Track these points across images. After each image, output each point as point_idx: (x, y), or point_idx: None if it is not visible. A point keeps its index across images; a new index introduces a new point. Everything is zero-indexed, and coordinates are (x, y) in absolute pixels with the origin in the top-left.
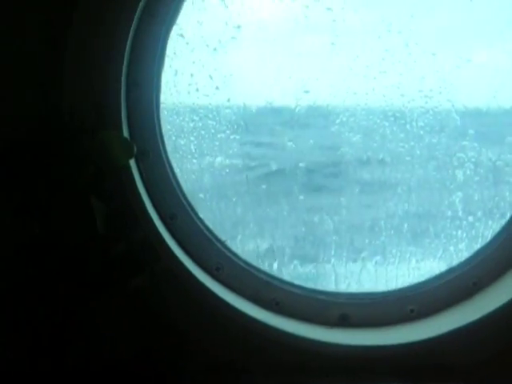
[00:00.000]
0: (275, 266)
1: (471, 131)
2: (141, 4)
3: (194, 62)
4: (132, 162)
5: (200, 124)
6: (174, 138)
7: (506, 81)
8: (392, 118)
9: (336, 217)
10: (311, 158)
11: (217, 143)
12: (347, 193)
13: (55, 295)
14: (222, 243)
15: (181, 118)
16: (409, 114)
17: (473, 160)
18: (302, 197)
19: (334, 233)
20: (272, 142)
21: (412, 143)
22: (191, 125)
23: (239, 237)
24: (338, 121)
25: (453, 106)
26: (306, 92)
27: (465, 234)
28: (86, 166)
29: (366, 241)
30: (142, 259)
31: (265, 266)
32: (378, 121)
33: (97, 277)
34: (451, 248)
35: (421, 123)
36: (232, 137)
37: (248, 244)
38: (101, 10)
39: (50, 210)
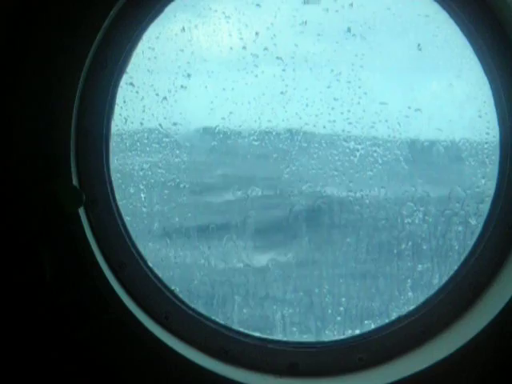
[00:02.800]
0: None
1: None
2: (90, 53)
3: (143, 111)
4: (81, 211)
5: (149, 172)
6: (123, 186)
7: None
8: (341, 168)
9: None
10: None
11: (166, 191)
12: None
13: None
14: (171, 292)
15: (130, 167)
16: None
17: (421, 209)
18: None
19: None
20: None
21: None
22: (141, 173)
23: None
24: (287, 170)
25: (401, 154)
26: (255, 141)
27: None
28: (35, 215)
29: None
30: (90, 308)
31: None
32: (328, 171)
33: (44, 326)
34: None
35: (369, 173)
36: (182, 185)
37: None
38: (50, 59)
39: None
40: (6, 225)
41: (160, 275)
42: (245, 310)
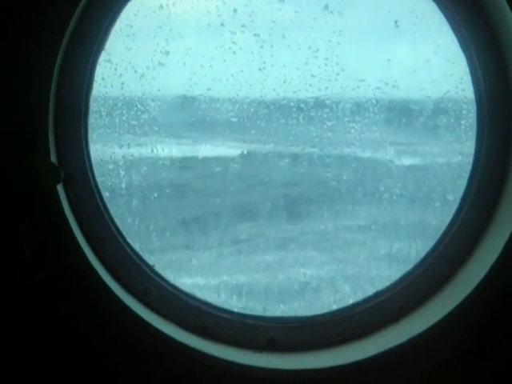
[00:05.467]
0: None
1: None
2: (68, 29)
3: (122, 88)
4: (60, 187)
5: (128, 148)
6: (102, 162)
7: None
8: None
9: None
10: None
11: (145, 168)
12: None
13: None
14: (150, 267)
15: (109, 144)
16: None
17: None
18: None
19: None
20: None
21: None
22: (119, 150)
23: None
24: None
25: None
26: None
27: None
28: (13, 192)
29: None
30: (69, 284)
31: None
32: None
33: (23, 302)
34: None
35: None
36: (160, 162)
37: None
38: (28, 35)
39: None
40: None
41: (139, 251)
42: None
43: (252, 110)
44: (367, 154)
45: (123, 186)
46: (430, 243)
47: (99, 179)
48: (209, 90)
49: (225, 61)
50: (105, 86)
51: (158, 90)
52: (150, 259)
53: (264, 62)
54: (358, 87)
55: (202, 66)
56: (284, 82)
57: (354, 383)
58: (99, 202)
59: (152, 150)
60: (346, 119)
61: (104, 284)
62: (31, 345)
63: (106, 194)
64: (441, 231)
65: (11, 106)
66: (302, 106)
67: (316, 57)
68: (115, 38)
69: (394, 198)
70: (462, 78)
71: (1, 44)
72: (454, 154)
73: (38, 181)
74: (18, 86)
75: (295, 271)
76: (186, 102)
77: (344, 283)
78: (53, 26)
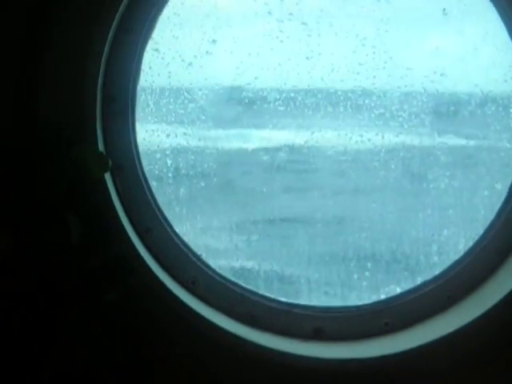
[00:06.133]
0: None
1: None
2: (116, 19)
3: (169, 77)
4: (107, 176)
5: (175, 138)
6: (149, 152)
7: None
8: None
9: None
10: None
11: (192, 157)
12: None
13: (29, 309)
14: (198, 257)
15: (156, 133)
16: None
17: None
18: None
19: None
20: None
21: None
22: (166, 139)
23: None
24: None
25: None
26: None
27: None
28: (62, 180)
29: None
30: (117, 273)
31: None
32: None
33: (72, 291)
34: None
35: (395, 138)
36: (208, 151)
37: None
38: (76, 24)
39: (25, 224)
40: (33, 191)
41: (186, 240)
42: None
43: (299, 98)
44: (415, 143)
45: (170, 175)
46: (479, 232)
47: (146, 168)
48: (256, 78)
49: (272, 49)
50: (152, 75)
51: (206, 79)
52: (197, 248)
53: (311, 51)
54: (406, 75)
55: (249, 54)
56: (331, 70)
57: (401, 373)
58: (146, 190)
59: (199, 139)
60: (393, 108)
61: (152, 273)
62: (79, 333)
63: (153, 183)
64: (489, 220)
65: (59, 95)
66: (350, 94)
67: (364, 45)
68: (162, 26)
69: (442, 186)
70: (510, 66)
71: (49, 34)
72: (503, 142)
73: (86, 170)
74: (67, 75)
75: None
76: (233, 91)
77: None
78: (101, 15)
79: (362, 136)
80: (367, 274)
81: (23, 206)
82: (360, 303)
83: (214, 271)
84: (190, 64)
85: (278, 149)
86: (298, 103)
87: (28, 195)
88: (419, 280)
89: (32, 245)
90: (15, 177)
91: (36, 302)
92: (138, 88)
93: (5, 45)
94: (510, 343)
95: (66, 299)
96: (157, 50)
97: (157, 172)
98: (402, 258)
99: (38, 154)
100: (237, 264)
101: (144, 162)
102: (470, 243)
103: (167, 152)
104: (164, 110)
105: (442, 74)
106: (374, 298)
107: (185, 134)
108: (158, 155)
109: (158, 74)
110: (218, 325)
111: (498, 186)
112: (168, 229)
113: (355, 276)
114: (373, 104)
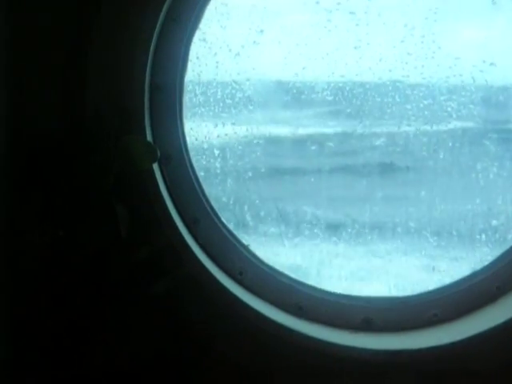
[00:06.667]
0: None
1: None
2: (164, 8)
3: (216, 67)
4: (155, 167)
5: (223, 128)
6: (196, 142)
7: None
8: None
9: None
10: None
11: (240, 147)
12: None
13: (78, 299)
14: (245, 247)
15: (203, 123)
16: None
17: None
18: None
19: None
20: None
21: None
22: (214, 129)
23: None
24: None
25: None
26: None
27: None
28: (110, 171)
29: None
30: (165, 264)
31: None
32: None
33: (120, 281)
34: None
35: (443, 128)
36: (255, 141)
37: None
38: (124, 14)
39: (74, 215)
40: (81, 180)
41: (233, 231)
42: None
43: (347, 88)
44: (464, 133)
45: (218, 165)
46: None
47: (194, 158)
48: (304, 68)
49: (320, 39)
50: (199, 65)
51: (253, 69)
52: (245, 239)
53: (359, 41)
54: (455, 65)
55: (297, 44)
56: (380, 60)
57: (450, 364)
58: (194, 181)
59: (247, 130)
60: (442, 98)
61: (200, 263)
62: (128, 323)
63: (200, 174)
64: None
65: (107, 85)
66: (398, 84)
67: (412, 35)
68: (210, 16)
69: (491, 176)
70: None
71: (98, 23)
72: None
73: (134, 160)
74: (115, 65)
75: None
76: (280, 81)
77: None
78: (149, 5)
79: (410, 125)
80: None
81: (73, 196)
82: (409, 294)
83: (261, 262)
84: (238, 54)
85: (327, 138)
86: (346, 93)
87: (77, 186)
88: None
89: (82, 235)
90: (64, 168)
91: (84, 294)
92: (186, 78)
93: (53, 34)
94: None
95: (114, 291)
96: (204, 39)
97: (204, 162)
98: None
99: (87, 145)
100: None
101: (191, 152)
102: None
103: (214, 142)
104: (211, 100)
105: (491, 64)
106: None
107: (232, 123)
108: (206, 145)
109: (206, 64)
110: (265, 315)
111: None
112: (215, 219)
113: None
114: (421, 94)
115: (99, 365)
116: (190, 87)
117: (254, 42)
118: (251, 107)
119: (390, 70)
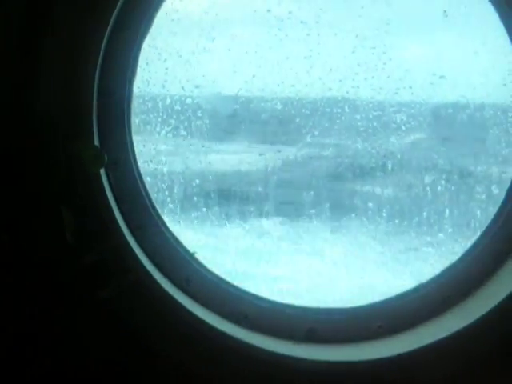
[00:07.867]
0: None
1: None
2: (114, 14)
3: (166, 73)
4: (102, 172)
5: (171, 134)
6: (144, 147)
7: None
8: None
9: None
10: None
11: (187, 154)
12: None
13: (22, 303)
14: (191, 255)
15: (152, 129)
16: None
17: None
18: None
19: None
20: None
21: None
22: (162, 135)
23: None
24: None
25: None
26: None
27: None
28: (57, 175)
29: None
30: (110, 270)
31: None
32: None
33: (65, 286)
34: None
35: (392, 139)
36: (203, 148)
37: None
38: (74, 19)
39: (19, 219)
40: (28, 184)
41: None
42: None
43: (297, 98)
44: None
45: (165, 171)
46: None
47: (141, 164)
48: (254, 76)
49: (270, 48)
50: (149, 71)
51: (203, 76)
52: (191, 246)
53: (310, 50)
54: (405, 77)
55: (247, 52)
56: (330, 70)
57: (394, 376)
58: (141, 187)
59: (194, 136)
60: (391, 109)
61: (145, 270)
62: (74, 328)
63: (147, 179)
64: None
65: (56, 90)
66: (348, 95)
67: (363, 46)
68: (160, 22)
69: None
70: (509, 70)
71: (47, 29)
72: (501, 146)
73: (82, 165)
74: (63, 70)
75: None
76: (230, 89)
77: None
78: (99, 10)
79: (359, 136)
80: None
81: (18, 201)
82: (354, 305)
83: (207, 270)
84: (188, 61)
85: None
86: (295, 102)
87: (23, 190)
88: None
89: (27, 240)
90: (10, 171)
91: (28, 297)
92: (135, 84)
93: (3, 40)
94: (506, 349)
95: (59, 295)
96: (154, 46)
97: (151, 168)
98: None
99: (34, 149)
100: None
101: (139, 158)
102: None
103: (162, 148)
104: (160, 106)
105: (441, 77)
106: None
107: (181, 129)
108: (153, 151)
109: (155, 71)
110: (210, 324)
111: (495, 190)
112: (162, 226)
113: None
114: (371, 105)
115: (46, 370)
116: (139, 93)
117: (205, 48)
118: (200, 114)
119: (341, 80)
